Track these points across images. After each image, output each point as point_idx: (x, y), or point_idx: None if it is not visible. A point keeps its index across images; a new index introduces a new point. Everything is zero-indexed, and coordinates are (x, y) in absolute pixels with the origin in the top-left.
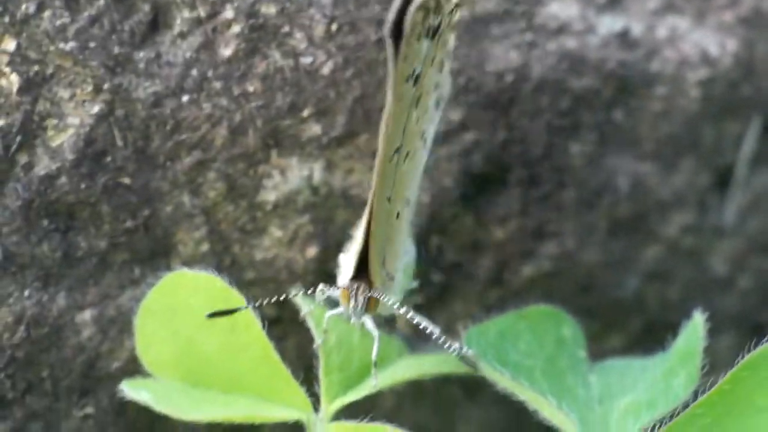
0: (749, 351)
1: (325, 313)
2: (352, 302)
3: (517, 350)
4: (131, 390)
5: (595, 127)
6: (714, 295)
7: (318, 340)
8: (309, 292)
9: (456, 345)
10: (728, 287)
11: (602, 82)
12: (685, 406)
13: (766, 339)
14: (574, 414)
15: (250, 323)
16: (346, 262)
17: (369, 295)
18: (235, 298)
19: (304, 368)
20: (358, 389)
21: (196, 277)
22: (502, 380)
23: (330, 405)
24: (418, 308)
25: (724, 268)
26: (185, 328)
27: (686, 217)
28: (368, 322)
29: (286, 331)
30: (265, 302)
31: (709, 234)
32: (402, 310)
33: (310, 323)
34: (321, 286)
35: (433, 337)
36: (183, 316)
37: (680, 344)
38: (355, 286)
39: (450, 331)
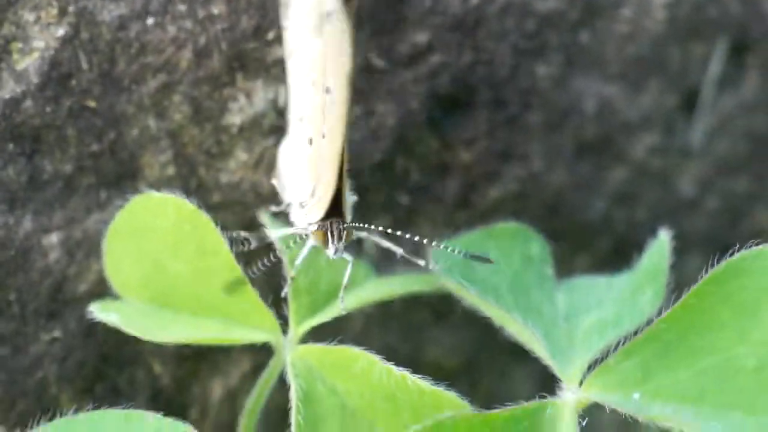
0: (713, 266)
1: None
2: (332, 240)
3: (483, 267)
4: (100, 312)
5: (561, 49)
6: (681, 216)
7: (291, 272)
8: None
9: (422, 261)
10: (695, 208)
11: (568, 3)
12: (650, 322)
13: (729, 253)
14: (540, 330)
15: (218, 246)
16: (303, 195)
17: (345, 227)
18: (202, 219)
19: (272, 291)
20: (326, 312)
21: (164, 199)
22: (469, 296)
23: (298, 327)
24: (385, 232)
25: (692, 189)
26: (154, 251)
27: (653, 139)
28: (344, 252)
29: (253, 253)
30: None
31: (676, 155)
32: (369, 234)
33: (283, 254)
34: (286, 230)
35: (398, 256)
36: (151, 238)
37: (646, 262)
38: (329, 223)
39: (417, 253)
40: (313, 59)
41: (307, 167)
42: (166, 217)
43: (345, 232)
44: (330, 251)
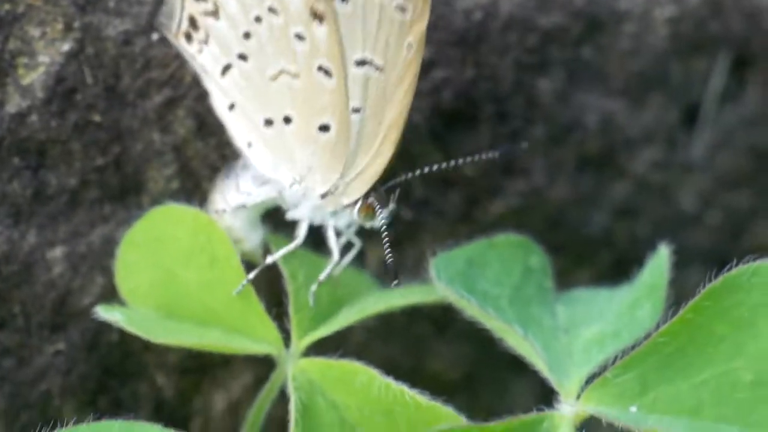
0: (711, 281)
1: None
2: (383, 206)
3: (485, 278)
4: (104, 312)
5: (563, 65)
6: (683, 230)
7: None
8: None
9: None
10: (697, 223)
11: (571, 19)
12: (649, 336)
13: (727, 268)
14: (539, 343)
15: (230, 258)
16: (326, 184)
17: (390, 187)
18: (218, 231)
19: (273, 303)
20: (327, 325)
21: (183, 210)
22: (470, 308)
23: (300, 341)
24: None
25: (693, 204)
26: (166, 259)
27: (655, 154)
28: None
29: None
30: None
31: (678, 170)
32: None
33: (279, 263)
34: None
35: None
36: (166, 248)
37: (646, 276)
38: (372, 193)
39: (420, 266)
40: (318, 45)
41: (327, 154)
42: (182, 228)
43: (394, 192)
44: (385, 215)
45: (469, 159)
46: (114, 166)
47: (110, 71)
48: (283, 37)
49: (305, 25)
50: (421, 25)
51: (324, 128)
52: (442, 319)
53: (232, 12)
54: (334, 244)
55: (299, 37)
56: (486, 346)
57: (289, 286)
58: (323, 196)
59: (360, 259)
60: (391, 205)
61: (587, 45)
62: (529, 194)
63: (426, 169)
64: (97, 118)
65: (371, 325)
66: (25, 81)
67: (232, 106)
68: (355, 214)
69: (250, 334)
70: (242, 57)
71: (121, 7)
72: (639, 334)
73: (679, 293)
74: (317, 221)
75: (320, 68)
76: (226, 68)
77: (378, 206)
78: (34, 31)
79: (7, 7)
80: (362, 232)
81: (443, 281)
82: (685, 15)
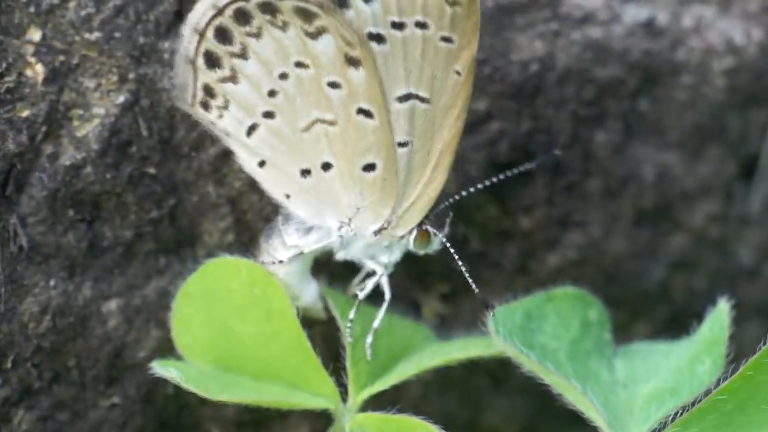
0: None
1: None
2: (437, 231)
3: (543, 332)
4: (160, 368)
5: (620, 117)
6: (740, 284)
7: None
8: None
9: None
10: (754, 277)
11: (627, 71)
12: (708, 393)
13: None
14: (598, 398)
15: (286, 311)
16: (378, 221)
17: (443, 210)
18: (273, 283)
19: (331, 357)
20: (384, 379)
21: (237, 262)
22: (528, 363)
23: (358, 395)
24: (445, 297)
25: (751, 257)
26: (222, 313)
27: (712, 207)
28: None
29: (312, 319)
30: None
31: (735, 223)
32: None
33: (337, 316)
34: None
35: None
36: (221, 301)
37: (705, 331)
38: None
39: (476, 319)
40: (356, 89)
41: (376, 192)
42: (237, 280)
43: (448, 215)
44: (442, 236)
45: (509, 173)
46: (169, 218)
47: (165, 123)
48: (315, 89)
49: (339, 73)
50: (470, 51)
51: (369, 167)
52: (499, 372)
53: (252, 73)
54: (386, 283)
55: (333, 85)
56: (544, 401)
57: (346, 339)
58: (377, 232)
59: (416, 311)
60: (446, 229)
61: (644, 97)
62: (586, 247)
63: (472, 189)
64: (151, 170)
65: (428, 379)
66: (80, 133)
67: (262, 163)
68: (411, 244)
69: (307, 388)
70: (268, 115)
71: (177, 59)
72: (698, 391)
73: (738, 348)
74: (371, 258)
75: (360, 111)
76: (252, 128)
77: (434, 232)
78: (89, 83)
79: (61, 58)
80: (419, 282)
81: (502, 335)
82: (742, 67)
